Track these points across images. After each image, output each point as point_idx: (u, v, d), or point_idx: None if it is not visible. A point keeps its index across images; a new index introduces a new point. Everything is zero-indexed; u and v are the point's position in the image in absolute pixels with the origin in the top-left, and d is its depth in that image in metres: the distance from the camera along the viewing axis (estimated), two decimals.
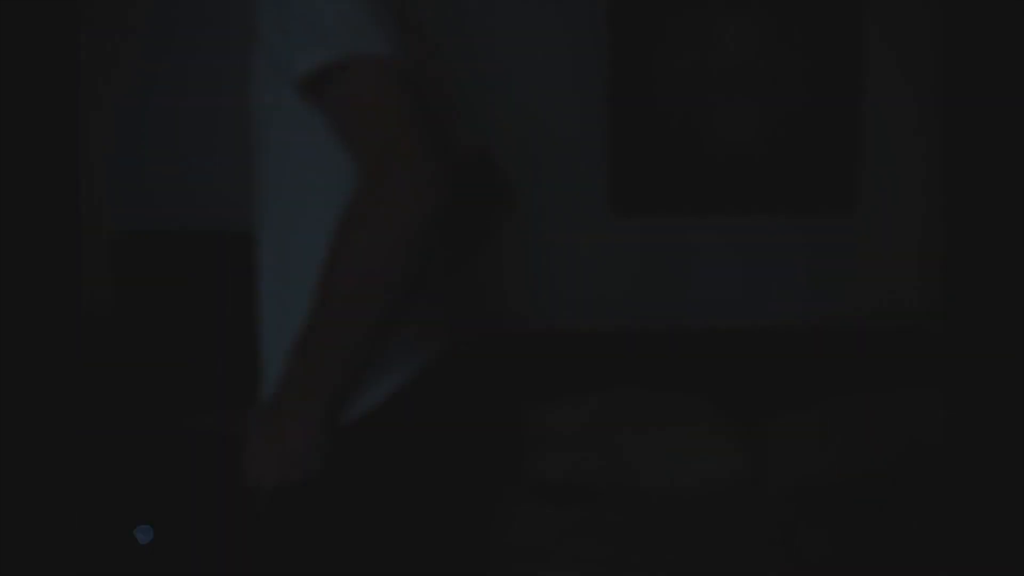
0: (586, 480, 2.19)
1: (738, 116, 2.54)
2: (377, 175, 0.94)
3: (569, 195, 2.57)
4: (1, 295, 1.80)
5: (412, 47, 1.04)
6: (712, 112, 2.54)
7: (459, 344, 1.21)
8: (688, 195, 2.57)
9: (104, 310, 2.46)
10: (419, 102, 0.99)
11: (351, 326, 0.98)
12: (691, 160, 2.55)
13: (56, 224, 2.14)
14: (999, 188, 1.19)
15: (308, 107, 1.02)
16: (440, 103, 1.17)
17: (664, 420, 2.26)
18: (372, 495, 1.08)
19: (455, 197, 0.98)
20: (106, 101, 2.55)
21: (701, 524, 2.06)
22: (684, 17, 2.52)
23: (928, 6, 2.50)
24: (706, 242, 2.58)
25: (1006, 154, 1.17)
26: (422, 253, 0.96)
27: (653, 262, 2.58)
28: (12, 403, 1.77)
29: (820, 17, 2.51)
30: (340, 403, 1.03)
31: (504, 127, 2.51)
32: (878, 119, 2.54)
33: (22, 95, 1.98)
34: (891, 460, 2.18)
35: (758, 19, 2.51)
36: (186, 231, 2.46)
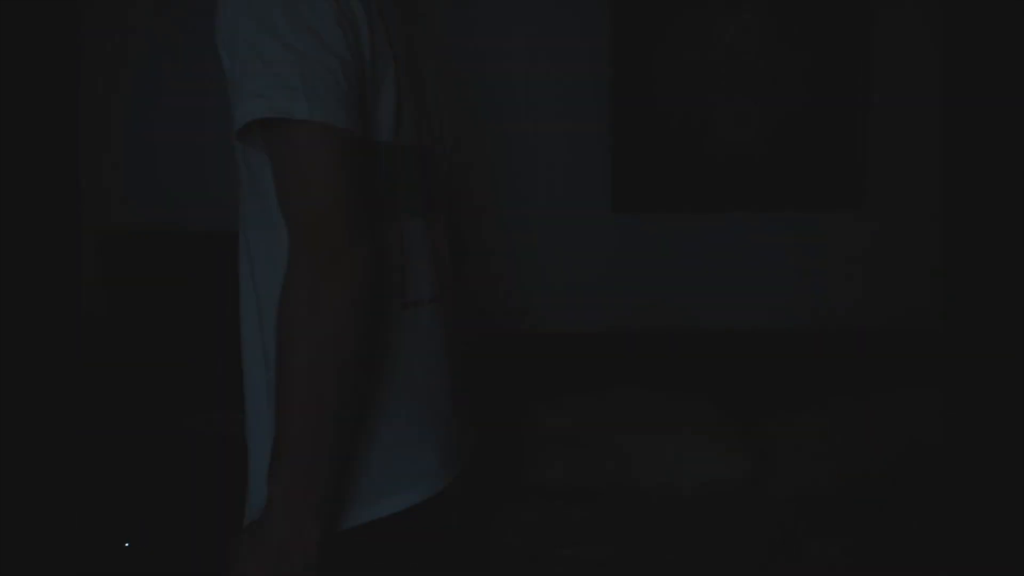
0: (586, 480, 2.18)
1: (739, 115, 2.54)
2: (304, 263, 0.94)
3: (571, 194, 2.57)
4: (0, 295, 1.80)
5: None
6: (713, 111, 2.54)
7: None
8: (690, 194, 2.57)
9: (100, 310, 2.46)
10: (356, 173, 0.97)
11: (321, 419, 0.96)
12: (693, 159, 2.56)
13: (56, 223, 2.14)
14: (1001, 188, 1.19)
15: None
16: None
17: (664, 420, 2.26)
18: None
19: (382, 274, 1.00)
20: (106, 101, 2.55)
21: (701, 525, 2.05)
22: (685, 17, 2.52)
23: (932, 4, 2.50)
24: (707, 241, 2.58)
25: (1009, 154, 1.17)
26: (362, 330, 0.96)
27: (654, 261, 2.58)
28: (12, 403, 1.77)
29: (822, 16, 2.51)
30: (332, 508, 1.00)
31: (507, 127, 2.51)
32: (879, 118, 2.54)
33: (22, 95, 1.98)
34: (891, 460, 2.18)
35: (758, 18, 2.51)
36: (184, 231, 2.46)
